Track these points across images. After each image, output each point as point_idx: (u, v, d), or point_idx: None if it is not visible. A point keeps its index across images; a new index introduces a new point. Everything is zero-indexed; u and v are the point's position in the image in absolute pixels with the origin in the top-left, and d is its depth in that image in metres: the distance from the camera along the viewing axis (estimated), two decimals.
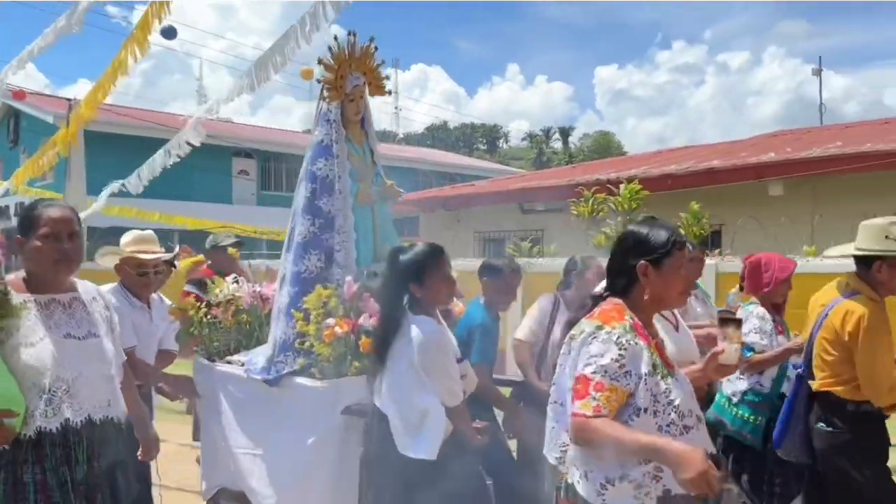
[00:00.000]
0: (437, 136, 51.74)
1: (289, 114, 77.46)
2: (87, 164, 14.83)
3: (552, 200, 12.07)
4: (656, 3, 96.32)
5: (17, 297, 2.21)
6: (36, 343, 2.19)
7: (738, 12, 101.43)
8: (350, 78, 3.59)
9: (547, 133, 59.60)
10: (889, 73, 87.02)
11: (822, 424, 3.26)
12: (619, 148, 51.74)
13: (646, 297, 2.11)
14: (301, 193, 3.63)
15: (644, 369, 1.98)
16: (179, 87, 79.18)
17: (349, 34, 3.62)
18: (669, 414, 1.99)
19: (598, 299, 2.19)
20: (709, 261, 7.51)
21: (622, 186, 8.85)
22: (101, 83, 5.73)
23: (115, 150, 16.41)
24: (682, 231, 8.89)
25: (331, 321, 3.24)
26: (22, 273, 2.33)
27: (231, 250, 5.41)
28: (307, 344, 3.31)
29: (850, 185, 9.62)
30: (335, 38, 3.60)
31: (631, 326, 2.03)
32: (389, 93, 3.80)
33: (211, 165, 19.77)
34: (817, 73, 31.66)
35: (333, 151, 3.57)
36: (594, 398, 1.91)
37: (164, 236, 5.59)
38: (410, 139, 47.83)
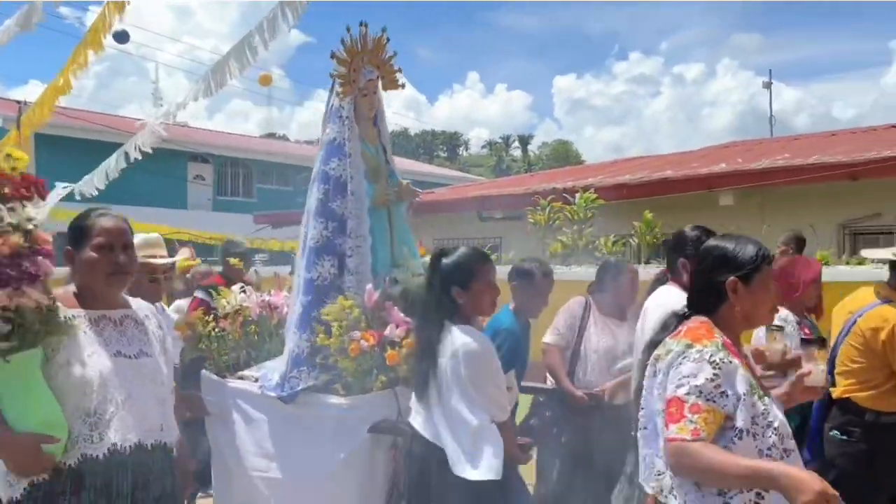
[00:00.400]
0: (397, 142, 51.66)
1: (247, 118, 76.74)
2: (38, 167, 14.45)
3: (510, 208, 12.19)
4: (614, 15, 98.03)
5: (65, 312, 2.06)
6: (83, 361, 2.02)
7: (694, 25, 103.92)
8: (363, 72, 3.40)
9: (506, 141, 60.10)
10: (837, 86, 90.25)
11: (836, 432, 3.20)
12: (577, 156, 52.41)
13: (734, 316, 2.00)
14: (314, 195, 3.40)
15: (741, 389, 1.87)
16: (134, 89, 77.69)
17: (361, 25, 3.42)
18: (770, 436, 1.88)
19: (680, 318, 2.08)
20: (661, 269, 7.67)
21: (577, 195, 9.00)
22: (54, 86, 5.62)
23: (66, 153, 16.03)
24: (636, 239, 9.10)
25: (356, 334, 3.04)
26: (72, 287, 2.18)
27: (233, 260, 5.28)
28: (331, 359, 3.09)
29: (797, 195, 9.93)
30: (348, 29, 3.39)
31: (723, 344, 1.92)
32: (403, 86, 3.61)
33: (166, 170, 19.44)
34: (767, 85, 32.54)
35: (346, 150, 3.36)
36: (691, 421, 1.80)
37: None
38: None
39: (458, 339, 2.61)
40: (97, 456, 2.00)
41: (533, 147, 59.35)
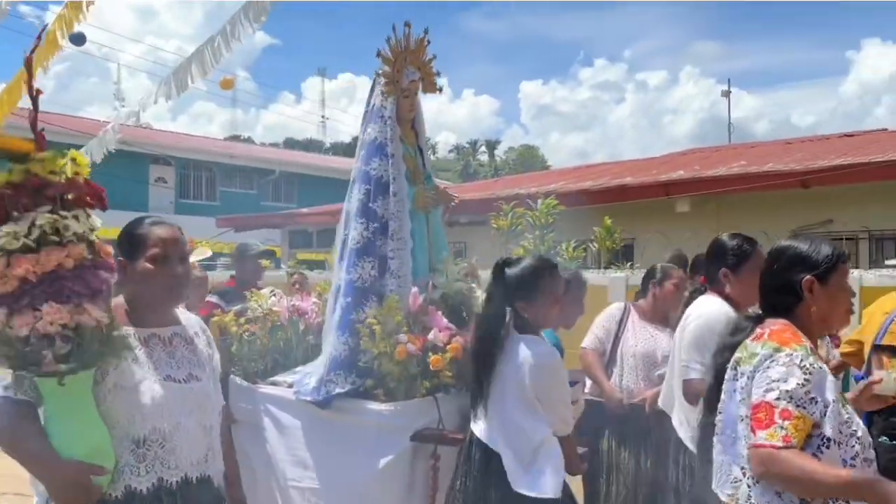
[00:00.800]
0: None
1: (211, 120, 75.80)
2: None
3: (474, 213, 12.30)
4: (579, 22, 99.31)
5: (121, 332, 1.91)
6: (132, 386, 1.88)
7: (656, 33, 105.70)
8: (406, 72, 3.36)
9: (474, 146, 60.34)
10: (796, 94, 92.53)
11: (885, 438, 3.10)
12: (543, 161, 52.90)
13: (811, 317, 1.94)
14: (354, 195, 3.32)
15: (830, 396, 1.80)
16: (95, 90, 76.19)
17: (405, 25, 3.37)
18: (854, 446, 1.82)
19: (755, 320, 2.02)
20: (620, 273, 7.85)
21: (539, 201, 9.13)
22: (11, 88, 5.55)
23: None
24: (596, 245, 9.27)
25: (402, 337, 2.97)
26: (121, 301, 2.01)
27: (265, 262, 5.12)
28: (377, 363, 3.00)
29: (752, 202, 10.19)
30: (393, 27, 3.35)
31: (811, 349, 1.86)
32: (441, 90, 3.57)
33: (127, 172, 19.17)
34: (726, 94, 33.30)
35: (388, 151, 3.29)
36: (781, 427, 1.73)
37: None
38: (337, 149, 47.51)
39: (524, 350, 2.53)
40: (142, 490, 1.86)
41: (500, 152, 59.74)
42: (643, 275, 4.07)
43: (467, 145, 60.74)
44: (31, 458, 1.81)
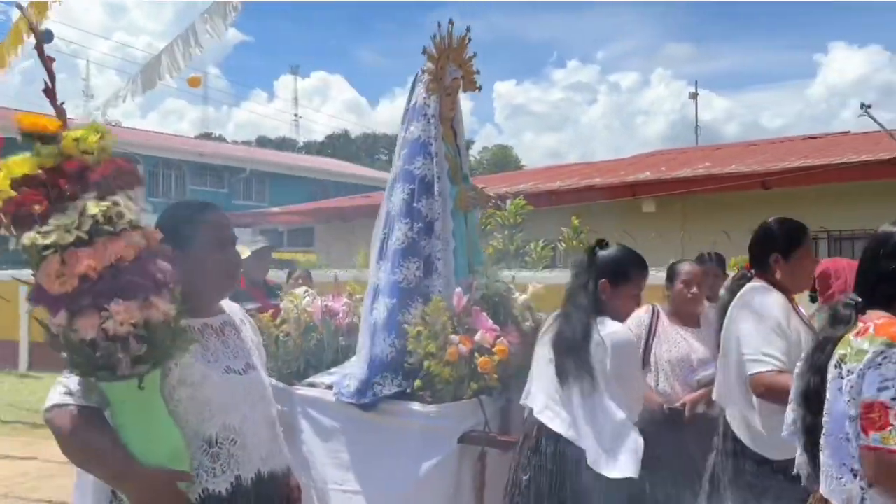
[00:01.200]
0: (337, 145, 51.38)
1: (181, 117, 74.71)
2: None
3: None
4: (552, 23, 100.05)
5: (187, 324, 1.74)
6: (197, 382, 1.73)
7: (629, 35, 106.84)
8: (449, 70, 3.32)
9: None
10: (765, 96, 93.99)
11: None
12: (517, 162, 53.12)
13: None
14: (397, 195, 3.25)
15: None
16: (64, 86, 74.53)
17: (450, 22, 3.33)
18: None
19: (855, 308, 1.91)
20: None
21: (508, 201, 9.25)
22: None
23: None
24: (564, 245, 9.42)
25: (454, 338, 2.94)
26: None
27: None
28: (426, 364, 2.95)
29: (716, 203, 10.43)
30: (438, 24, 3.31)
31: None
32: (479, 88, 3.52)
33: None
34: (694, 96, 33.87)
35: (432, 150, 3.23)
36: None
37: None
38: (311, 148, 47.31)
39: (606, 329, 2.51)
40: (220, 491, 1.72)
41: (474, 151, 59.82)
42: (666, 272, 3.94)
43: None
44: (112, 470, 1.65)
